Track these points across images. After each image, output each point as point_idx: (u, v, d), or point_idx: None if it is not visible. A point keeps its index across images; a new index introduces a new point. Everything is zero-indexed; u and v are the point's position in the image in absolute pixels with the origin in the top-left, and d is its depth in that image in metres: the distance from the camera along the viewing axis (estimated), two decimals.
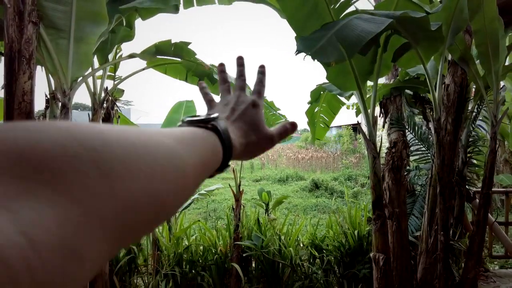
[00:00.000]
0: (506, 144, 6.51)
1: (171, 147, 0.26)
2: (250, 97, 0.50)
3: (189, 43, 2.45)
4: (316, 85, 2.94)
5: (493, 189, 2.52)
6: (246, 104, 0.48)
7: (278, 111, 3.45)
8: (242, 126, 0.45)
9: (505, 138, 6.29)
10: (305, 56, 1.55)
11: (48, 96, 2.32)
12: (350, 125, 20.56)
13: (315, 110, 3.17)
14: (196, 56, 2.51)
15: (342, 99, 3.09)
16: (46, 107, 2.36)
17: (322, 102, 3.09)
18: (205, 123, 0.36)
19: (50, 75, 2.24)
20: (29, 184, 0.15)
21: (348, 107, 5.92)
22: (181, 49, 2.44)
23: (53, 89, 2.26)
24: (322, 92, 2.96)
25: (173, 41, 2.41)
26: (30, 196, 0.14)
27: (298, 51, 1.53)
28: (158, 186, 0.23)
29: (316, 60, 1.61)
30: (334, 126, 19.44)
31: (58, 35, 2.05)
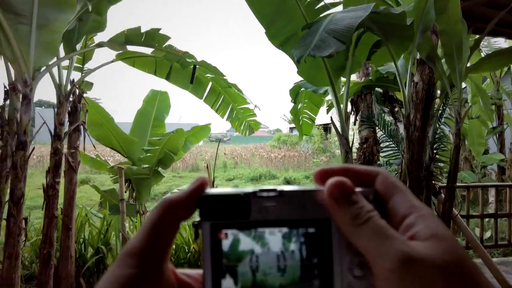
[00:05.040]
0: (466, 143, 6.90)
1: None
2: None
3: (159, 29, 2.37)
4: (294, 83, 2.99)
5: (456, 184, 2.66)
6: None
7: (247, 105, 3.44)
8: None
9: (465, 137, 6.67)
10: (305, 58, 1.55)
11: (8, 87, 2.17)
12: (321, 125, 20.97)
13: (299, 107, 3.24)
14: (169, 43, 2.42)
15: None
16: (5, 99, 2.20)
17: (304, 98, 3.16)
18: None
19: (9, 64, 2.09)
20: None
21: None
22: (151, 37, 2.34)
23: (13, 79, 2.11)
24: (300, 90, 3.02)
25: (143, 30, 2.31)
26: None
27: (299, 60, 1.56)
28: None
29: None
30: None
31: (18, 20, 1.91)
